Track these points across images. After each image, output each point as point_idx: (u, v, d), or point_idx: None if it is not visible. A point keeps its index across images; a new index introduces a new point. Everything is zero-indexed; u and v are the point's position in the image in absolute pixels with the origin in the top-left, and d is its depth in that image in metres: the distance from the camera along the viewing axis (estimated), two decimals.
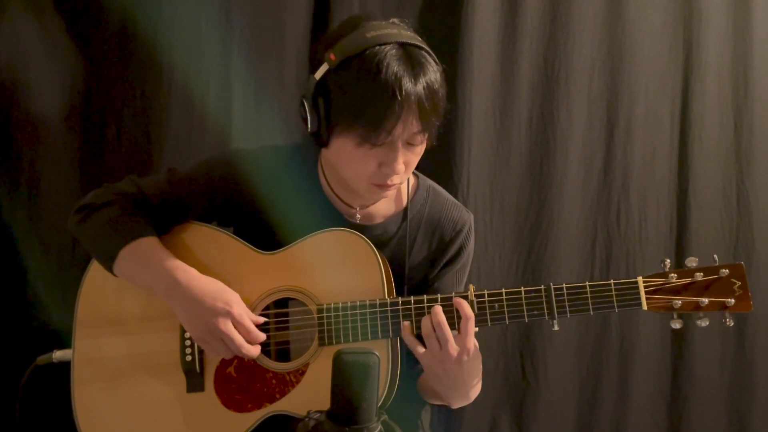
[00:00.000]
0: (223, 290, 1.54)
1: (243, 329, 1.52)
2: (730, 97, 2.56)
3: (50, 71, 2.15)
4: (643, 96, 2.51)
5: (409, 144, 1.50)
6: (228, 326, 1.51)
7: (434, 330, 1.48)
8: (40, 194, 2.18)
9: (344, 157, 1.52)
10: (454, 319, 1.50)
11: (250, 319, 1.54)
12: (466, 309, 1.48)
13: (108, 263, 1.58)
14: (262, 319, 1.57)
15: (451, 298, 1.51)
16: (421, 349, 1.49)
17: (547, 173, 2.48)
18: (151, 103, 2.21)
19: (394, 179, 1.53)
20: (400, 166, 1.50)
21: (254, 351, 1.54)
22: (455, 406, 1.65)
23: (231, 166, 1.65)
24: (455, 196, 1.83)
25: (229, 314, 1.51)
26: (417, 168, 1.63)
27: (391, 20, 1.52)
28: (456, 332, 1.49)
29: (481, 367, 1.59)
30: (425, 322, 1.49)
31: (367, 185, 1.54)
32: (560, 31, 2.44)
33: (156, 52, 2.18)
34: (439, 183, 1.79)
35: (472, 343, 1.48)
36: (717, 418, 2.61)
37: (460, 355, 1.47)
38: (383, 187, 1.54)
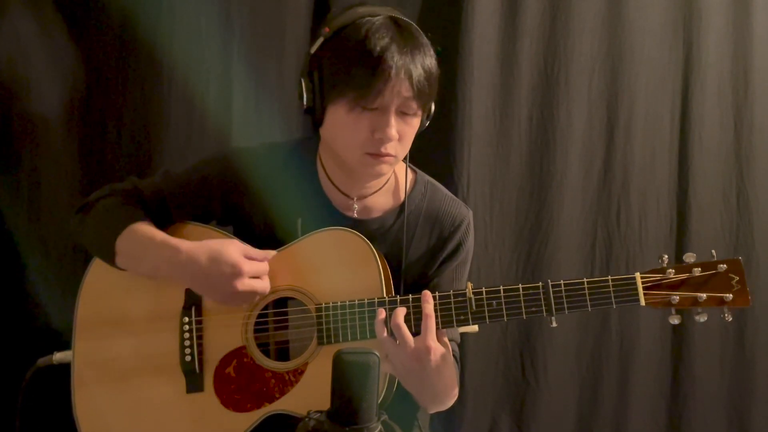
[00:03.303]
0: (221, 252, 1.53)
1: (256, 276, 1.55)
2: (730, 97, 2.56)
3: (50, 71, 2.15)
4: (643, 96, 2.51)
5: (403, 113, 1.52)
6: (244, 284, 1.53)
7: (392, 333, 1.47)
8: (40, 194, 2.18)
9: (337, 127, 1.53)
10: (453, 315, 1.51)
11: (260, 257, 1.57)
12: (427, 308, 1.48)
13: (110, 255, 1.59)
14: (271, 253, 1.59)
15: (449, 295, 1.52)
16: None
17: (547, 173, 2.48)
18: (151, 104, 2.21)
19: (387, 147, 1.52)
20: (393, 132, 1.51)
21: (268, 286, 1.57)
22: (430, 410, 1.63)
23: (227, 164, 1.66)
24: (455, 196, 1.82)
25: (240, 274, 1.52)
26: (416, 167, 1.63)
27: (387, 8, 1.56)
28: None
29: (453, 373, 1.57)
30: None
31: (361, 156, 1.53)
32: (560, 31, 2.44)
33: (156, 52, 2.18)
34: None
35: (433, 342, 1.45)
36: (717, 418, 2.61)
37: (420, 354, 1.44)
38: (377, 156, 1.53)
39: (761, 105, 2.56)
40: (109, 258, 1.60)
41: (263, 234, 1.65)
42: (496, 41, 2.41)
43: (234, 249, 1.54)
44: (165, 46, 2.18)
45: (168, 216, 1.66)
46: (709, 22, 2.51)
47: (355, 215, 1.67)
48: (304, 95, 1.54)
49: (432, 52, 1.53)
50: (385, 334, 1.47)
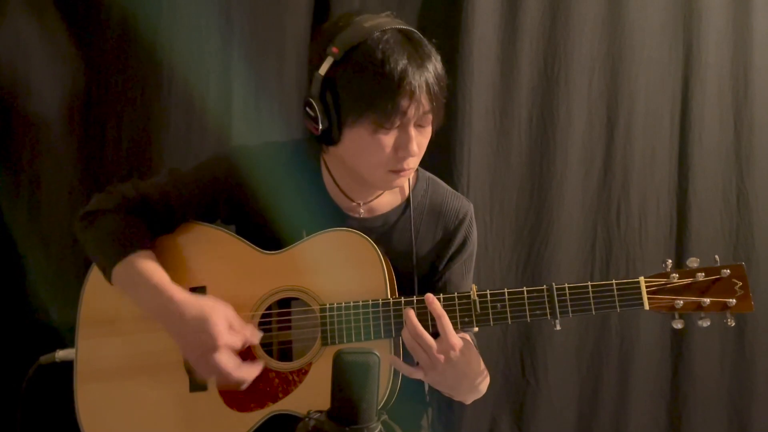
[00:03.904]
0: (207, 319, 1.49)
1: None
2: (730, 97, 2.56)
3: (51, 71, 2.15)
4: (643, 96, 2.51)
5: (419, 126, 1.53)
6: (214, 360, 1.48)
7: (417, 342, 1.48)
8: (40, 194, 2.17)
9: (359, 149, 1.53)
10: (457, 318, 1.52)
11: (242, 339, 1.52)
12: (437, 308, 1.48)
13: (106, 275, 1.58)
14: (257, 335, 1.55)
15: (453, 298, 1.52)
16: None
17: (547, 173, 2.48)
18: (151, 103, 2.21)
19: (409, 162, 1.54)
20: (415, 148, 1.52)
21: (249, 376, 1.53)
22: (469, 401, 1.65)
23: (232, 163, 1.65)
24: None
25: (215, 348, 1.48)
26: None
27: (384, 14, 1.55)
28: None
29: (479, 358, 1.59)
30: (405, 335, 1.49)
31: (384, 173, 1.55)
32: (560, 31, 2.44)
33: (156, 51, 2.17)
34: None
35: (455, 338, 1.47)
36: (717, 418, 2.62)
37: (447, 354, 1.46)
38: (400, 172, 1.55)
39: (761, 105, 2.56)
40: (105, 277, 1.59)
41: (267, 233, 1.64)
42: (496, 41, 2.41)
43: (221, 320, 1.50)
44: (165, 46, 2.18)
45: (173, 215, 1.65)
46: (709, 22, 2.51)
47: (361, 215, 1.68)
48: (319, 118, 1.51)
49: (438, 57, 1.53)
50: (418, 344, 1.48)
